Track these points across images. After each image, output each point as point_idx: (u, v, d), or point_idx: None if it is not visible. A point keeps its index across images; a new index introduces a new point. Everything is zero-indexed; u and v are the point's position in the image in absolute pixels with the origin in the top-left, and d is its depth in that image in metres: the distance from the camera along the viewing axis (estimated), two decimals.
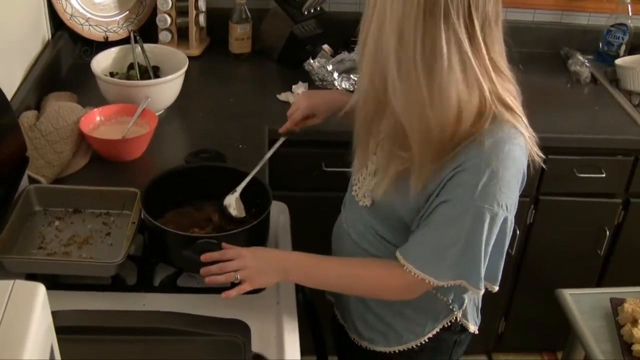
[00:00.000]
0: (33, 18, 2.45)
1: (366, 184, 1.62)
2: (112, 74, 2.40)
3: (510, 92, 1.39)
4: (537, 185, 2.56)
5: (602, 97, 2.75)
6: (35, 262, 1.60)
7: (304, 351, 1.52)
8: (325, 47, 2.79)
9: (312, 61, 2.64)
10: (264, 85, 2.68)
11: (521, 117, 1.41)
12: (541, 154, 1.46)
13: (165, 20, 2.73)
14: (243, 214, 1.77)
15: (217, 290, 1.64)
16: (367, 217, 1.63)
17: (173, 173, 1.84)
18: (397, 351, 1.74)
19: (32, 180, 1.88)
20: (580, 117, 2.60)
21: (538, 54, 3.01)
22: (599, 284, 2.82)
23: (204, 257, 1.52)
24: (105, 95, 2.28)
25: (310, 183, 2.48)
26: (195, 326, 1.46)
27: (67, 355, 1.01)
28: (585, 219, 2.66)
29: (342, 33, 2.83)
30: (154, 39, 2.72)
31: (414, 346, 1.71)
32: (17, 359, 0.66)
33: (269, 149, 2.21)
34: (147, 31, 2.70)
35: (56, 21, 2.61)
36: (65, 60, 2.62)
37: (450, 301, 1.65)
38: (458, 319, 1.69)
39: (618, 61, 2.83)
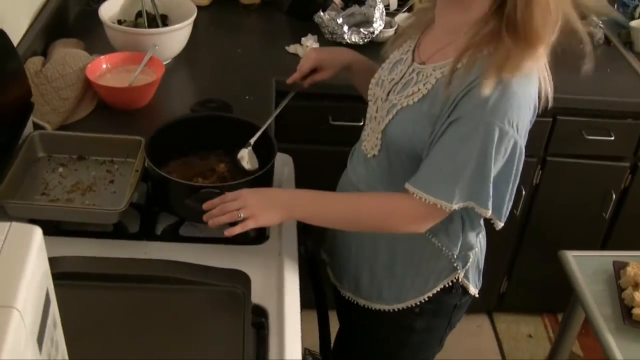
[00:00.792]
0: None
1: (375, 131, 1.61)
2: (119, 22, 2.38)
3: None
4: (544, 145, 2.54)
5: (615, 59, 2.71)
6: (37, 208, 1.60)
7: (304, 306, 1.52)
8: None
9: (322, 14, 2.61)
10: (272, 37, 2.65)
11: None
12: (551, 97, 1.45)
13: None
14: (257, 167, 1.76)
15: (219, 240, 1.66)
16: (377, 168, 1.62)
17: (179, 122, 1.83)
18: (395, 310, 1.74)
19: (37, 126, 1.88)
20: (592, 79, 2.56)
21: None
22: (603, 248, 2.81)
23: (206, 205, 1.51)
24: (113, 43, 2.26)
25: (316, 136, 2.47)
26: (195, 275, 1.46)
27: (66, 301, 1.01)
28: (592, 181, 2.64)
29: None
30: None
31: (413, 305, 1.71)
32: (9, 304, 0.66)
33: (276, 101, 2.20)
34: None
35: None
36: (73, 7, 2.60)
37: (455, 257, 1.64)
38: (459, 280, 1.68)
39: (633, 23, 2.78)
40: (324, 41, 2.56)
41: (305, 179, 1.96)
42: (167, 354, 1.31)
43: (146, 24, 2.37)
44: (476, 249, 1.68)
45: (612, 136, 2.51)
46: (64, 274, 1.40)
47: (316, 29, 2.61)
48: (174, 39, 2.29)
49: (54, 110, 1.95)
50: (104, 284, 1.43)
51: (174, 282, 1.45)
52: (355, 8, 2.67)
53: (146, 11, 2.41)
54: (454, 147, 1.41)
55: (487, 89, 1.34)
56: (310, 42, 2.53)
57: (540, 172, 2.61)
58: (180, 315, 1.40)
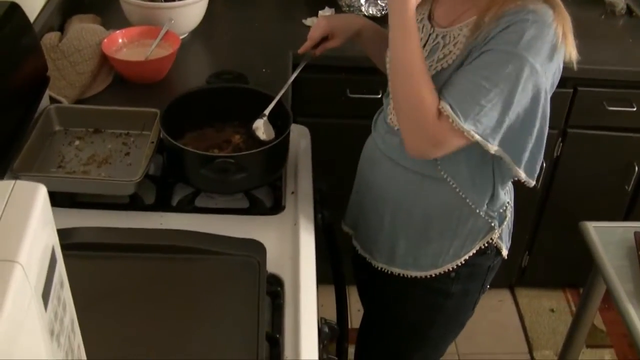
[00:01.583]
0: None
1: None
2: None
3: None
4: (565, 117, 2.51)
5: (638, 29, 2.67)
6: (53, 180, 1.61)
7: (320, 280, 1.51)
8: None
9: None
10: (290, 10, 2.64)
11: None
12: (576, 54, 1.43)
13: None
14: (272, 137, 1.75)
15: (235, 211, 1.67)
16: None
17: (194, 94, 1.83)
18: (431, 276, 1.72)
19: (53, 100, 1.88)
20: (613, 50, 2.53)
21: None
22: (625, 220, 2.78)
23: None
24: (129, 18, 2.27)
25: (334, 109, 2.46)
26: (211, 245, 1.46)
27: (82, 271, 1.01)
28: (613, 153, 2.61)
29: None
30: None
31: (450, 269, 1.70)
32: (12, 259, 0.66)
33: (292, 73, 2.20)
34: None
35: None
36: None
37: (491, 216, 1.63)
38: (494, 241, 1.68)
39: None
40: (341, 13, 2.54)
41: (323, 152, 1.95)
42: (183, 322, 1.31)
43: None
44: (511, 207, 1.67)
45: (634, 107, 2.48)
46: (79, 245, 1.41)
47: (333, 2, 2.60)
48: (190, 12, 2.29)
49: (71, 84, 1.95)
50: (119, 254, 1.44)
51: (189, 251, 1.45)
52: None
53: None
54: (482, 70, 1.39)
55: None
56: (327, 14, 2.51)
57: (561, 144, 2.58)
58: (195, 284, 1.40)
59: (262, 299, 1.35)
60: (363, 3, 2.53)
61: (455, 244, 1.68)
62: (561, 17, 1.38)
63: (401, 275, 1.76)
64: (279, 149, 1.71)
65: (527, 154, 1.47)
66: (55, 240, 0.79)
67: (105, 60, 2.07)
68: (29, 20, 1.76)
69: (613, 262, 1.99)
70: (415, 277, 1.74)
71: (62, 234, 0.85)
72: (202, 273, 1.43)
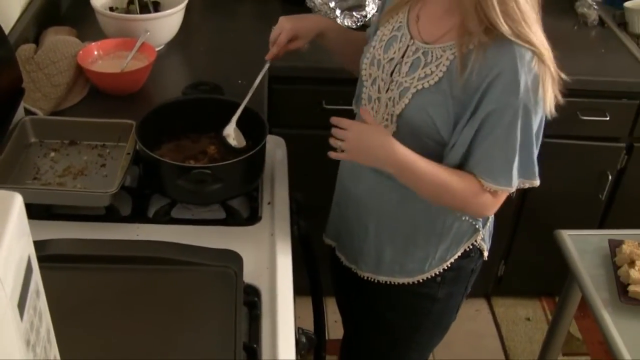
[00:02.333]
0: None
1: (382, 113, 1.61)
2: (111, 9, 2.37)
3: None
4: None
5: (610, 40, 2.70)
6: (29, 191, 1.59)
7: (297, 292, 1.52)
8: None
9: None
10: (266, 21, 2.61)
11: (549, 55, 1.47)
12: (560, 97, 1.51)
13: None
14: (243, 144, 1.76)
15: (211, 222, 1.67)
16: None
17: (170, 105, 1.83)
18: (419, 281, 1.74)
19: (28, 112, 1.88)
20: (586, 60, 2.56)
21: None
22: (600, 228, 2.80)
23: (332, 118, 1.57)
24: (105, 30, 2.26)
25: (310, 120, 2.46)
26: (187, 255, 1.46)
27: (58, 283, 1.01)
28: (587, 162, 2.64)
29: None
30: None
31: (436, 274, 1.73)
32: None
33: (269, 85, 2.20)
34: None
35: None
36: None
37: (474, 219, 1.67)
38: (477, 243, 1.71)
39: (627, 4, 2.77)
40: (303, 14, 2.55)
41: (299, 163, 1.96)
42: (160, 332, 1.31)
43: (138, 11, 2.37)
44: None
45: (607, 116, 2.51)
46: (55, 256, 1.40)
47: (309, 13, 2.60)
48: (166, 24, 2.29)
49: (46, 96, 1.95)
50: (96, 266, 1.43)
51: (165, 262, 1.45)
52: None
53: None
54: (502, 135, 1.46)
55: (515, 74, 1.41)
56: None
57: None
58: (172, 295, 1.40)
59: (239, 309, 1.35)
60: (338, 14, 2.54)
61: (441, 248, 1.70)
62: (543, 67, 1.44)
63: (388, 282, 1.78)
64: (255, 160, 1.71)
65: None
66: (31, 249, 0.79)
67: (80, 72, 2.06)
68: (4, 32, 1.76)
69: (589, 270, 2.01)
70: (402, 283, 1.76)
71: (38, 245, 0.84)
72: (179, 284, 1.42)
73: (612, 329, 1.84)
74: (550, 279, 2.86)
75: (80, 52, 2.07)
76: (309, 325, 1.87)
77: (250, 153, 1.66)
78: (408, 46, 1.57)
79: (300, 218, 1.80)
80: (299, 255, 1.77)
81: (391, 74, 1.59)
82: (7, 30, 1.95)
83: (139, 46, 2.15)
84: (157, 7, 2.42)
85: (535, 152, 1.52)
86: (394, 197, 1.66)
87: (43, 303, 0.85)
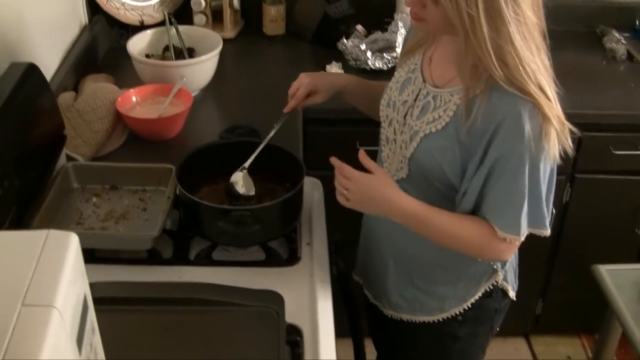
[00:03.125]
0: (69, 3, 2.49)
1: (398, 155, 1.62)
2: (147, 56, 2.43)
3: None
4: (572, 162, 2.53)
5: (639, 74, 2.72)
6: None
7: (337, 334, 1.52)
8: (359, 27, 2.79)
9: (345, 41, 2.65)
10: (298, 65, 2.69)
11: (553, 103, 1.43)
12: (571, 145, 1.46)
13: (199, 3, 2.76)
14: (252, 192, 1.78)
15: (252, 263, 1.69)
16: (410, 191, 1.60)
17: (208, 149, 1.86)
18: (439, 320, 1.75)
19: (70, 158, 1.92)
20: (616, 94, 2.57)
21: (574, 32, 2.97)
22: (638, 262, 2.78)
23: (333, 159, 1.58)
24: (141, 77, 2.31)
25: (345, 162, 2.48)
26: (229, 297, 1.47)
27: (103, 325, 1.03)
28: (622, 197, 2.63)
29: (375, 13, 2.84)
30: (189, 22, 2.73)
31: (457, 313, 1.73)
32: (50, 304, 0.68)
33: (304, 128, 2.23)
34: (182, 14, 2.73)
35: (93, 6, 2.65)
36: (102, 44, 2.66)
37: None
38: (499, 283, 1.70)
39: None
40: (347, 67, 2.59)
41: (336, 203, 1.97)
42: None
43: (173, 57, 2.42)
44: None
45: (639, 150, 2.50)
46: (99, 299, 1.41)
47: (340, 56, 2.64)
48: (201, 70, 2.33)
49: (86, 142, 1.99)
50: (139, 308, 1.45)
51: (208, 304, 1.47)
52: (378, 34, 2.71)
53: (173, 45, 2.46)
54: (510, 184, 1.45)
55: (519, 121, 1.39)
56: (334, 69, 2.56)
57: (570, 189, 2.60)
58: (216, 335, 1.42)
59: (282, 348, 1.37)
60: (369, 57, 2.57)
61: (460, 287, 1.70)
62: (543, 117, 1.40)
63: (410, 320, 1.78)
64: (293, 201, 1.73)
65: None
66: (86, 288, 0.81)
67: (119, 118, 2.11)
68: (46, 81, 1.81)
69: (628, 305, 2.00)
70: (424, 322, 1.77)
71: None
72: (222, 325, 1.44)
73: None
74: (589, 315, 2.83)
75: (119, 98, 2.11)
76: None
77: (289, 195, 1.68)
78: (420, 89, 1.59)
79: (339, 258, 1.82)
80: (339, 294, 1.78)
81: (405, 117, 1.61)
82: (47, 78, 2.00)
83: (176, 92, 2.19)
84: (192, 54, 2.47)
85: (545, 201, 1.50)
86: (412, 236, 1.64)
87: (98, 340, 0.87)
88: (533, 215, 1.49)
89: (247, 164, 1.79)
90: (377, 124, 1.78)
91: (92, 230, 1.68)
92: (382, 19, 2.81)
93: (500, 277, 1.70)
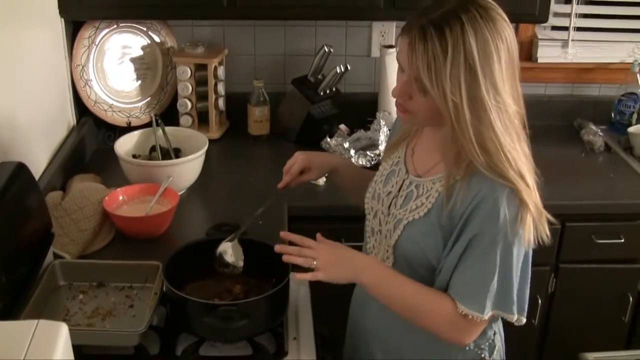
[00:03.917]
0: (59, 105, 2.56)
1: (384, 245, 1.65)
2: (134, 156, 2.46)
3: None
4: (556, 253, 2.56)
5: (617, 164, 2.79)
6: None
7: None
8: (342, 126, 2.86)
9: (329, 140, 2.71)
10: (282, 164, 2.69)
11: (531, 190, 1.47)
12: (548, 233, 1.50)
13: (185, 104, 2.82)
14: (240, 262, 1.79)
15: (239, 358, 1.68)
16: None
17: (194, 246, 1.88)
18: None
19: (57, 256, 1.93)
20: (596, 185, 2.63)
21: (551, 126, 3.06)
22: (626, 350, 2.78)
23: (283, 234, 1.60)
24: (129, 176, 2.34)
25: None
26: None
27: None
28: (607, 285, 2.65)
29: (358, 112, 2.92)
30: (175, 123, 2.79)
31: None
32: None
33: (289, 225, 2.25)
34: (168, 115, 2.79)
35: (81, 108, 2.72)
36: (90, 144, 2.71)
37: (480, 348, 1.66)
38: None
39: (631, 129, 2.88)
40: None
41: (323, 298, 1.98)
42: None
43: (160, 157, 2.46)
44: (500, 335, 1.71)
45: (622, 238, 2.54)
46: None
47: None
48: (187, 169, 2.37)
49: (73, 241, 2.00)
50: None
51: None
52: (360, 133, 2.77)
53: (159, 145, 2.50)
54: (479, 261, 1.48)
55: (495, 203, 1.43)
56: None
57: (555, 279, 2.62)
58: None
59: None
60: (353, 154, 2.63)
61: None
62: (521, 203, 1.44)
63: None
64: (279, 296, 1.74)
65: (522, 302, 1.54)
66: None
67: (106, 217, 2.13)
68: (35, 180, 1.83)
69: None
70: None
71: None
72: None
73: None
74: None
75: (106, 197, 2.14)
76: None
77: (275, 290, 1.69)
78: (404, 180, 1.64)
79: (326, 351, 1.81)
80: None
81: (389, 207, 1.65)
82: (36, 178, 2.03)
83: (162, 191, 2.22)
84: (178, 154, 2.51)
85: (517, 286, 1.51)
86: (397, 326, 1.68)
87: None
88: (501, 298, 1.50)
89: (237, 233, 1.81)
90: (360, 220, 1.81)
91: (78, 327, 1.67)
92: (365, 117, 2.89)
93: None
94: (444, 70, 1.39)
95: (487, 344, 1.67)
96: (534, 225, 1.46)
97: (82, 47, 2.67)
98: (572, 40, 3.06)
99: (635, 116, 2.99)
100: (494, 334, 1.69)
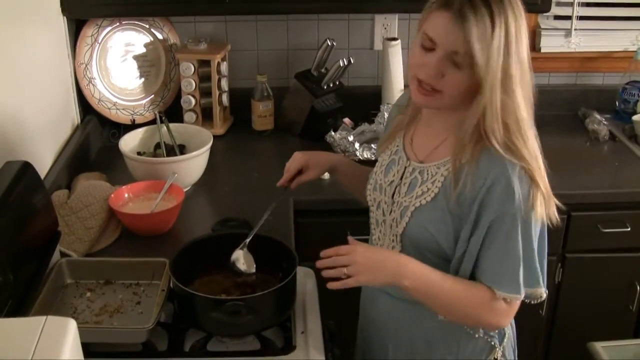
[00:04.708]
0: (63, 103, 2.56)
1: (389, 235, 1.65)
2: (139, 154, 2.47)
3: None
4: (562, 243, 2.56)
5: (622, 153, 2.78)
6: None
7: None
8: (346, 120, 2.86)
9: (333, 133, 2.71)
10: (287, 159, 2.70)
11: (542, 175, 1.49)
12: (557, 216, 1.53)
13: (189, 101, 2.82)
14: (253, 269, 1.79)
15: (247, 353, 1.69)
16: None
17: (200, 242, 1.88)
18: None
19: (64, 254, 1.93)
20: (602, 173, 2.63)
21: (556, 116, 3.06)
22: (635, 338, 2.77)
23: (322, 253, 1.57)
24: (134, 174, 2.35)
25: None
26: None
27: None
28: (613, 274, 2.65)
29: (362, 105, 2.91)
30: (179, 120, 2.79)
31: None
32: None
33: (295, 219, 2.26)
34: (172, 112, 2.79)
35: (85, 106, 2.72)
36: (95, 143, 2.72)
37: (490, 335, 1.67)
38: (498, 359, 1.70)
39: (635, 117, 2.87)
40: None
41: (330, 293, 1.98)
42: None
43: (164, 154, 2.46)
44: (510, 324, 1.71)
45: (628, 227, 2.54)
46: None
47: (329, 148, 2.69)
48: (192, 166, 2.37)
49: (79, 239, 2.01)
50: None
51: None
52: (365, 126, 2.77)
53: (164, 142, 2.51)
54: (503, 246, 1.50)
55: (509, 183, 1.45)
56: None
57: (561, 270, 2.62)
58: None
59: None
60: (357, 148, 2.63)
61: None
62: (533, 182, 1.47)
63: None
64: (286, 290, 1.74)
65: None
66: None
67: (112, 215, 2.13)
68: (40, 179, 1.84)
69: None
70: None
71: None
72: None
73: None
74: None
75: (112, 195, 2.14)
76: None
77: (282, 284, 1.70)
78: (405, 168, 1.65)
79: (334, 345, 1.81)
80: None
81: (392, 196, 1.66)
82: (41, 177, 2.03)
83: (167, 188, 2.22)
84: (183, 150, 2.51)
85: (539, 261, 1.54)
86: (408, 318, 1.69)
87: None
88: (528, 275, 1.52)
89: (247, 241, 1.80)
90: (366, 213, 1.81)
91: (86, 325, 1.68)
92: (369, 110, 2.88)
93: (499, 353, 1.69)
94: (492, 41, 1.42)
95: (497, 331, 1.68)
96: (544, 205, 1.49)
97: (85, 46, 2.68)
98: (575, 29, 3.05)
99: (639, 104, 2.98)
100: None
